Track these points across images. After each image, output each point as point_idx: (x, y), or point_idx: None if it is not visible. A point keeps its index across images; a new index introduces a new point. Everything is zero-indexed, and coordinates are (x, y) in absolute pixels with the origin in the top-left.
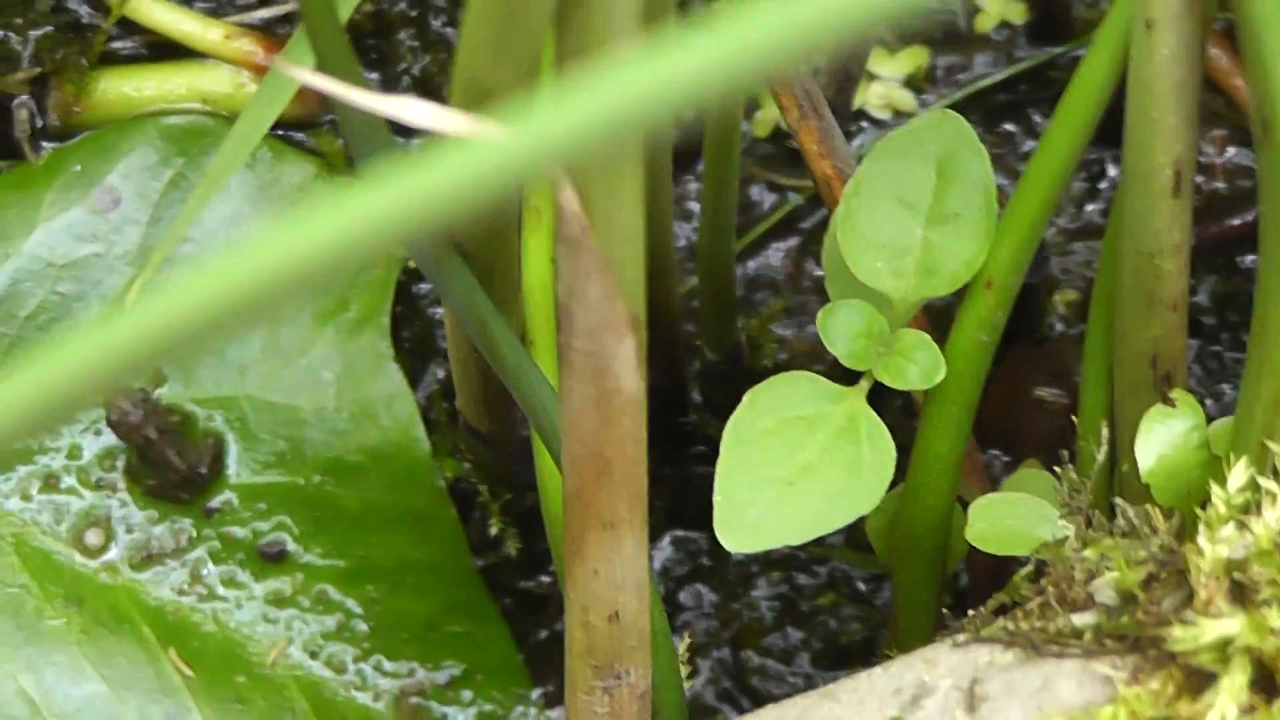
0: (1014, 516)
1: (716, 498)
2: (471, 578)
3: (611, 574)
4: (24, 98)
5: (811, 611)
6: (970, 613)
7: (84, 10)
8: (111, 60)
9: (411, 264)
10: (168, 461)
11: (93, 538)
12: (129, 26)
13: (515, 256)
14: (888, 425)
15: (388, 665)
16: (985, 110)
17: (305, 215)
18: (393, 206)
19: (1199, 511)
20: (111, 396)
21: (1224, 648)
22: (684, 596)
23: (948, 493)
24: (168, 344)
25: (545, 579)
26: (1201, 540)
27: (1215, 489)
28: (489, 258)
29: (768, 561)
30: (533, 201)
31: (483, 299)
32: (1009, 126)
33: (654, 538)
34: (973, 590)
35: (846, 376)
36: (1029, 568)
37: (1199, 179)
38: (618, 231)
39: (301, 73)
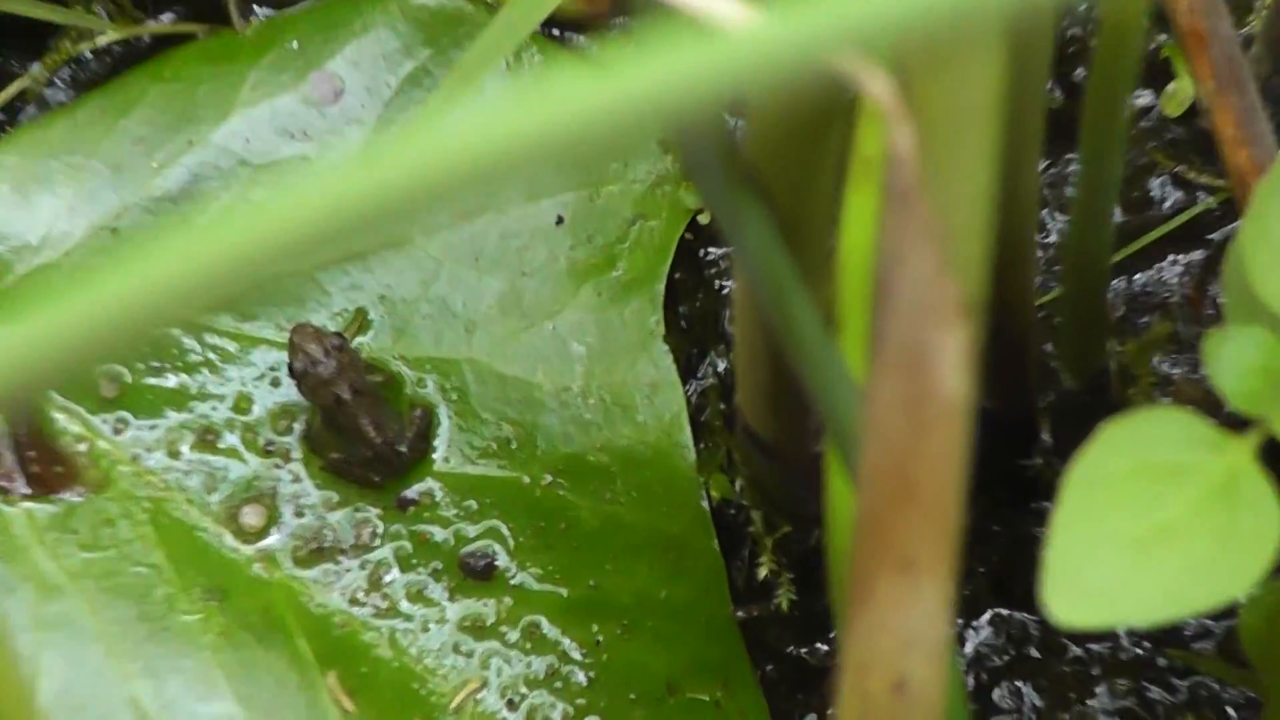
0: None
1: (1048, 552)
2: (728, 631)
3: (902, 628)
4: None
5: None
6: None
7: None
8: None
9: (701, 219)
10: (360, 431)
11: (251, 516)
12: None
13: (832, 215)
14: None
15: None
16: None
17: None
18: (637, 88)
19: None
20: (298, 338)
21: None
22: (999, 694)
23: None
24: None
25: (822, 647)
26: None
27: None
28: (799, 209)
29: (1114, 662)
30: (864, 149)
31: (784, 260)
32: None
33: (971, 613)
34: None
35: (1235, 426)
36: None
37: None
38: (959, 192)
39: None
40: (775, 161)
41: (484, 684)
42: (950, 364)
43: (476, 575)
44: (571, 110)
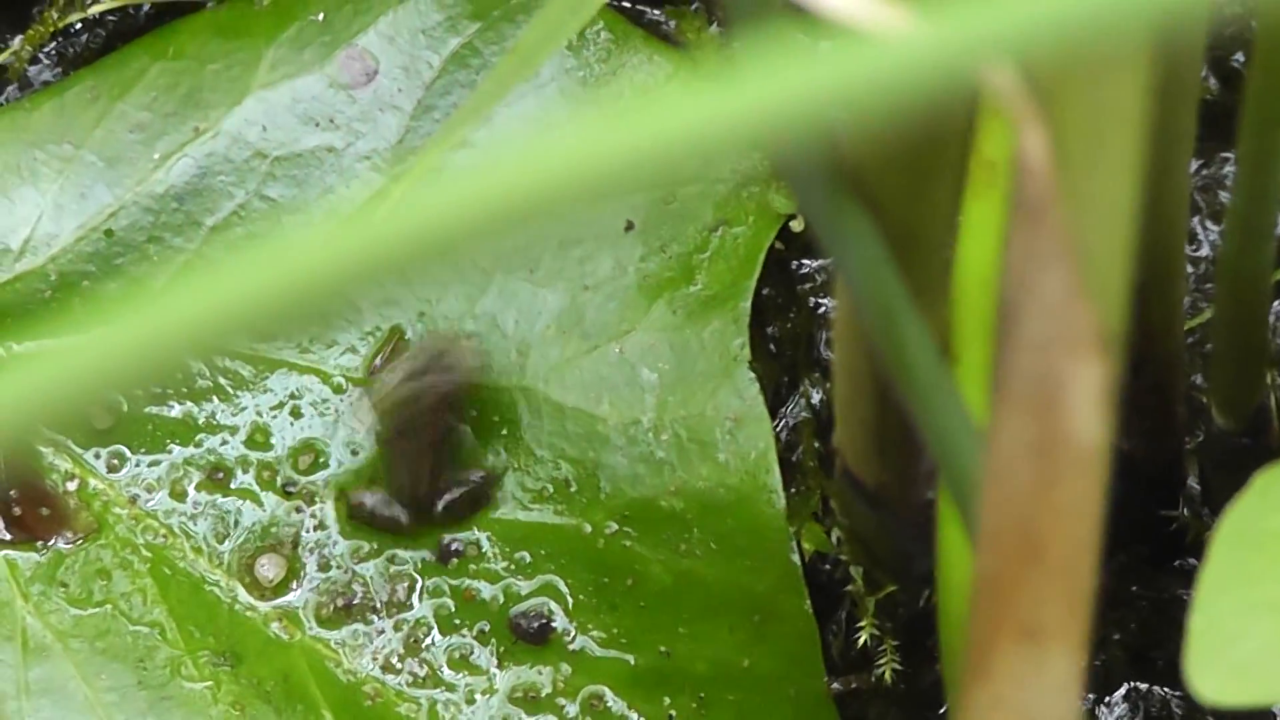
0: None
1: (1193, 619)
2: (822, 707)
3: (1024, 706)
4: None
5: None
6: None
7: None
8: None
9: (794, 226)
10: (413, 472)
11: (268, 568)
12: None
13: (950, 224)
14: None
15: None
16: None
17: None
18: (752, 107)
19: None
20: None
21: None
22: None
23: None
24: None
25: None
26: None
27: None
28: (911, 220)
29: None
30: (986, 151)
31: (893, 279)
32: None
33: (1105, 688)
34: None
35: None
36: None
37: None
38: (1099, 206)
39: None
40: (883, 159)
41: None
42: (1084, 403)
43: (530, 638)
44: (687, 124)
